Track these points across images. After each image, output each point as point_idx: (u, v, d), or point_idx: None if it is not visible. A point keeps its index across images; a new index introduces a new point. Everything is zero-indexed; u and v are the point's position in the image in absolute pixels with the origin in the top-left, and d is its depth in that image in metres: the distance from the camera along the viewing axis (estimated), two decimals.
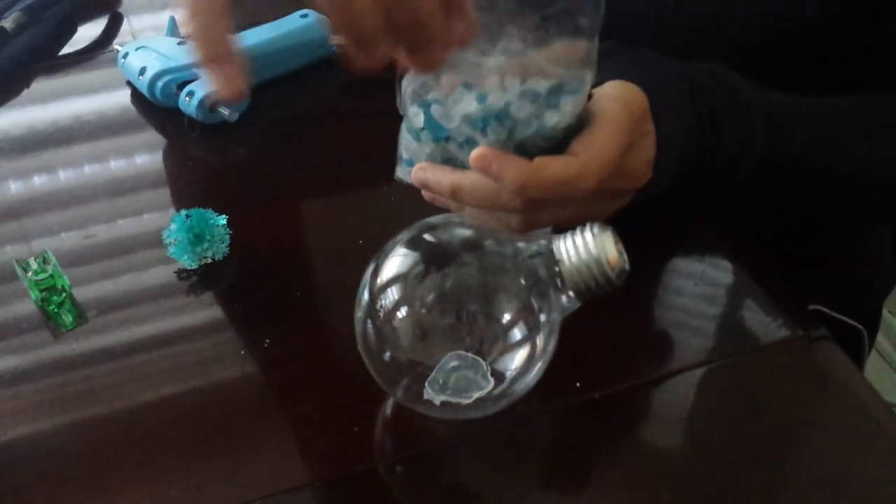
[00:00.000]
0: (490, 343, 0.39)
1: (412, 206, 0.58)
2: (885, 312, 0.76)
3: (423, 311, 0.39)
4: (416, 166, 0.45)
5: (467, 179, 0.43)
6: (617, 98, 0.44)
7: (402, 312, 0.39)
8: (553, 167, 0.41)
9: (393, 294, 0.40)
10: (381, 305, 0.40)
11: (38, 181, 0.61)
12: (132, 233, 0.56)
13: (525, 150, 0.42)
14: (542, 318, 0.40)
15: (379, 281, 0.40)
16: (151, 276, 0.53)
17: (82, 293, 0.51)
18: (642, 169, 0.45)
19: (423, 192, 0.46)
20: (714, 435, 0.45)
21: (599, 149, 0.42)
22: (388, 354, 0.40)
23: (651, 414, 0.45)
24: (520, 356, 0.40)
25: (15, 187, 0.61)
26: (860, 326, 0.62)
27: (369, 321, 0.40)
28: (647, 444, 0.44)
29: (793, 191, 0.53)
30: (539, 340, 0.40)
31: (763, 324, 0.49)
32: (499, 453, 0.44)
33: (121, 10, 0.80)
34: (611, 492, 0.42)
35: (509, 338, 0.39)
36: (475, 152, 0.41)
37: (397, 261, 0.40)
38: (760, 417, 0.45)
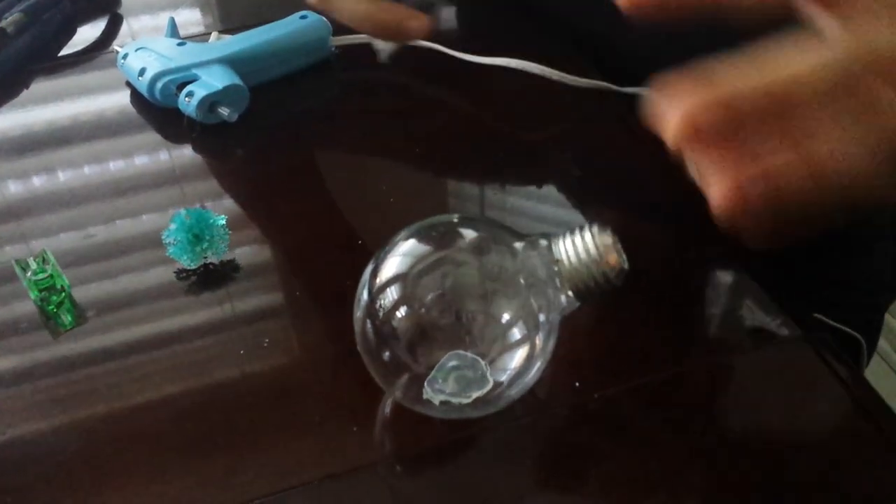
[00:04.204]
0: (489, 343, 0.39)
1: (412, 206, 0.59)
2: (887, 317, 0.76)
3: (423, 310, 0.39)
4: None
5: None
6: None
7: (402, 312, 0.39)
8: None
9: (392, 294, 0.40)
10: (381, 305, 0.40)
11: (37, 182, 0.61)
12: (131, 233, 0.56)
13: None
14: (542, 317, 0.40)
15: (378, 280, 0.40)
16: (151, 276, 0.53)
17: (81, 293, 0.51)
18: None
19: None
20: (713, 435, 0.45)
21: None
22: (387, 354, 0.40)
23: (650, 415, 0.45)
24: (519, 356, 0.40)
25: (14, 188, 0.61)
26: (859, 336, 0.62)
27: (368, 321, 0.40)
28: (645, 444, 0.44)
29: None
30: (538, 340, 0.40)
31: (762, 324, 0.49)
32: (498, 453, 0.44)
33: (120, 11, 0.80)
34: (609, 492, 0.42)
35: (508, 337, 0.39)
36: None
37: (396, 260, 0.40)
38: (759, 417, 0.45)
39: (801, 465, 0.44)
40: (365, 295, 0.40)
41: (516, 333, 0.39)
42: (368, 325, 0.40)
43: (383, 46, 0.55)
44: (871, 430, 0.45)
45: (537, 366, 0.40)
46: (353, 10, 0.48)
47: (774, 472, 0.43)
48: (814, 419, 0.46)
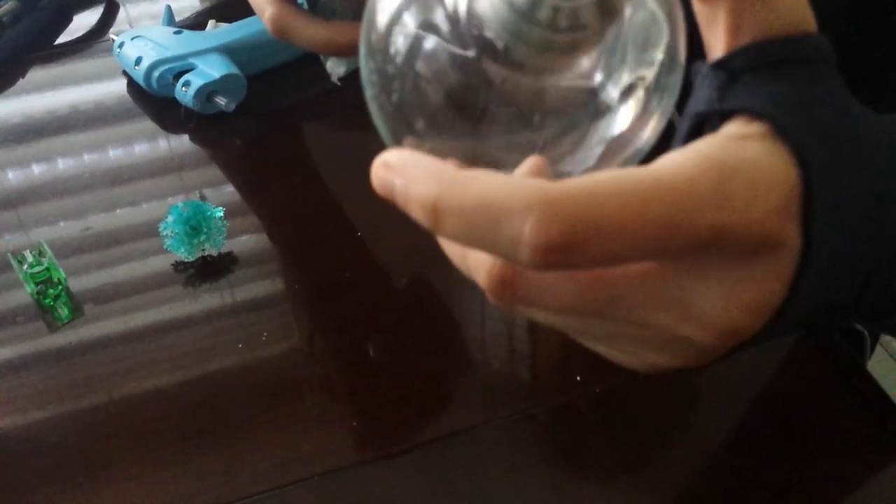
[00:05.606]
0: None
1: None
2: None
3: None
4: (379, 160, 0.25)
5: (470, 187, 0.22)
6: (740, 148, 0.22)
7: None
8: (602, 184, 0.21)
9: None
10: None
11: (36, 170, 0.61)
12: (130, 222, 0.56)
13: None
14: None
15: None
16: (149, 266, 0.52)
17: (79, 283, 0.51)
18: (742, 315, 0.24)
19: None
20: (716, 429, 0.44)
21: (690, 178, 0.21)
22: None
23: (652, 408, 0.45)
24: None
25: (10, 177, 0.60)
26: (861, 328, 0.61)
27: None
28: (648, 437, 0.44)
29: None
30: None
31: None
32: (499, 447, 0.43)
33: None
34: (612, 486, 0.42)
35: None
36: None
37: None
38: (764, 412, 0.45)
39: (806, 460, 0.43)
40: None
41: None
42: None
43: (336, 69, 0.55)
44: (875, 426, 0.44)
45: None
46: (312, 37, 0.49)
47: (779, 466, 0.43)
48: (818, 415, 0.46)
